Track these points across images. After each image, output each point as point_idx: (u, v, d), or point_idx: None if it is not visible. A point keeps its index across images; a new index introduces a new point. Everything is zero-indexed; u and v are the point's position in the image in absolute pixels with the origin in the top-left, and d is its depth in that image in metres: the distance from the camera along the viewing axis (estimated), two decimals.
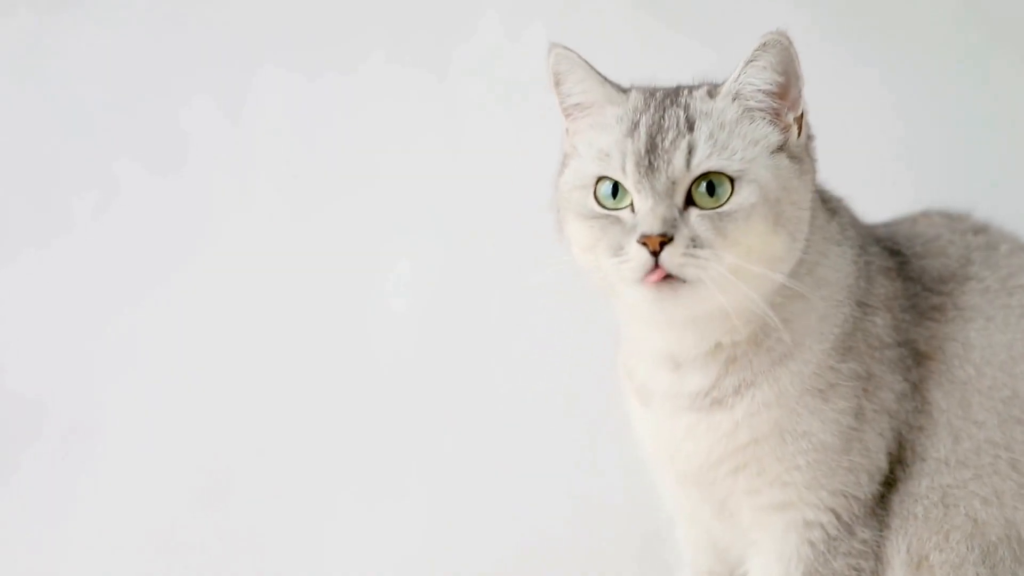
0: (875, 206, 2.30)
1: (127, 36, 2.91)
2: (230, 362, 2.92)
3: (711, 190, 1.99)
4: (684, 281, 1.96)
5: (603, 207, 2.04)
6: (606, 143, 2.05)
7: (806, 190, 2.06)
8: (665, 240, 1.95)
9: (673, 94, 2.08)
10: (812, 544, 2.10)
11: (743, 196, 1.99)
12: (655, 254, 1.96)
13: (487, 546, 2.83)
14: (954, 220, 2.28)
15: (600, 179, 2.05)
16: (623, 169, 2.02)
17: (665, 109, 2.04)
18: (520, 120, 2.90)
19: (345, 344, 2.92)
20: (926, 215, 2.30)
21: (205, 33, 2.91)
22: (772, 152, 2.03)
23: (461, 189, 2.93)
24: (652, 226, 1.96)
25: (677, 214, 1.97)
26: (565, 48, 2.10)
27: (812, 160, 2.10)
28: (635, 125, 2.04)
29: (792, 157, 2.05)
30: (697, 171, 1.99)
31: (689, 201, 1.99)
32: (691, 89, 2.08)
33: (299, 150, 2.93)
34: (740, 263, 1.97)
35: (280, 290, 2.93)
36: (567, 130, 2.14)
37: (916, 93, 2.91)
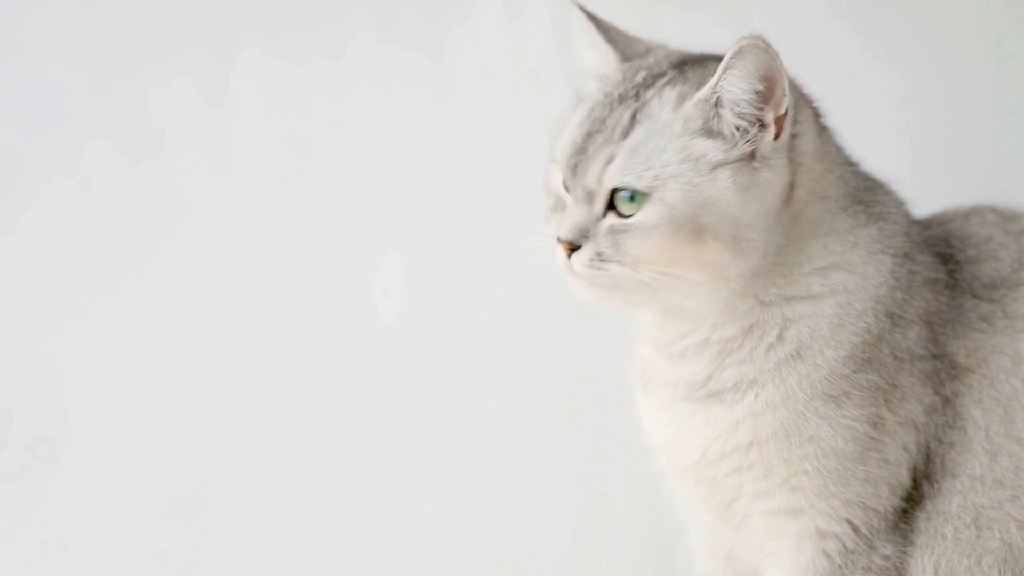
0: None
1: (100, 15, 2.83)
2: (208, 366, 2.87)
3: (633, 197, 2.03)
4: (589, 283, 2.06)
5: (557, 196, 2.12)
6: (560, 132, 2.13)
7: (761, 197, 2.03)
8: (575, 248, 2.04)
9: (645, 85, 2.09)
10: (828, 556, 2.08)
11: (646, 214, 2.02)
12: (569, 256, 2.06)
13: (487, 562, 2.85)
14: (1008, 220, 2.23)
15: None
16: (560, 160, 2.09)
17: (621, 102, 2.08)
18: (521, 106, 2.87)
19: (333, 346, 2.88)
20: (978, 212, 2.25)
21: (183, 13, 2.84)
22: (714, 167, 2.02)
23: (458, 181, 2.88)
24: (562, 231, 2.05)
25: (593, 223, 2.04)
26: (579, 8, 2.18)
27: (794, 162, 2.07)
28: (590, 112, 2.09)
29: (757, 164, 2.03)
30: (607, 185, 2.04)
31: (612, 204, 2.05)
32: (669, 84, 2.08)
33: (283, 138, 2.87)
34: (655, 275, 2.02)
35: (264, 287, 2.88)
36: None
37: (928, 83, 2.88)
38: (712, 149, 2.02)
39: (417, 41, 2.87)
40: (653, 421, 2.18)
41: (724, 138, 2.02)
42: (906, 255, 2.12)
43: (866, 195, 2.13)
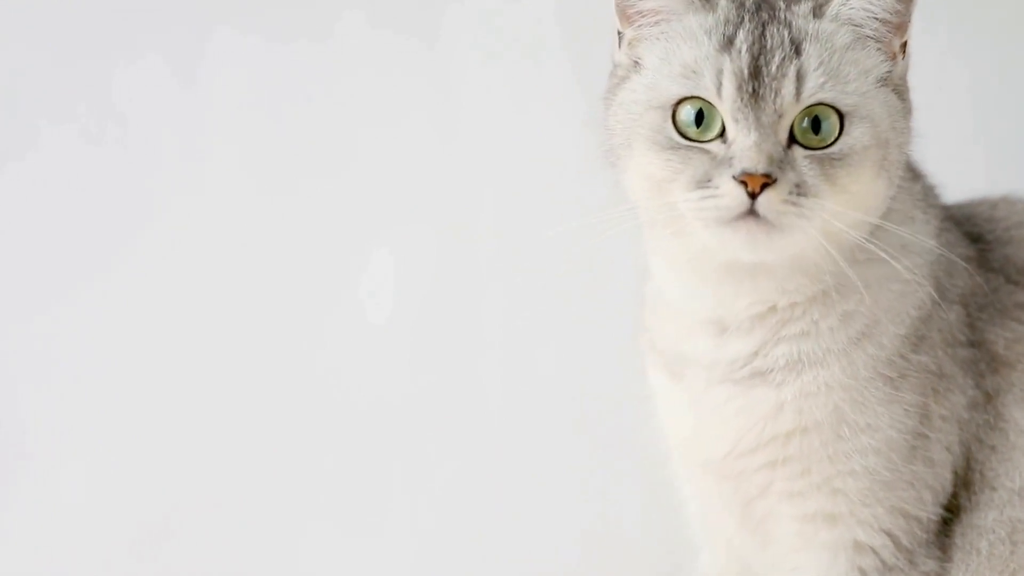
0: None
1: None
2: (180, 374, 2.84)
3: (816, 127, 1.90)
4: (774, 226, 1.89)
5: (685, 137, 1.92)
6: (692, 58, 1.93)
7: (910, 130, 1.98)
8: (768, 182, 1.84)
9: (769, 6, 1.97)
10: (863, 573, 2.00)
11: (855, 136, 1.90)
12: (752, 196, 1.85)
13: None
14: None
15: (683, 101, 1.92)
16: (718, 92, 1.90)
17: (765, 25, 1.93)
18: (521, 93, 2.82)
19: (319, 351, 2.85)
20: (1008, 200, 2.20)
21: None
22: (880, 85, 1.94)
23: (454, 173, 2.84)
24: (757, 163, 1.84)
25: (783, 153, 1.88)
26: None
27: (909, 91, 2.01)
28: (729, 40, 1.92)
29: (896, 91, 1.97)
30: (808, 102, 1.89)
31: (791, 138, 1.90)
32: (790, 2, 1.97)
33: (263, 125, 2.84)
34: (838, 215, 1.89)
35: (242, 288, 2.84)
36: (622, 36, 2.01)
37: (992, 65, 2.83)
38: (876, 64, 1.93)
39: (410, 22, 2.83)
40: (677, 409, 2.08)
41: (877, 52, 1.96)
42: (942, 222, 2.06)
43: None
